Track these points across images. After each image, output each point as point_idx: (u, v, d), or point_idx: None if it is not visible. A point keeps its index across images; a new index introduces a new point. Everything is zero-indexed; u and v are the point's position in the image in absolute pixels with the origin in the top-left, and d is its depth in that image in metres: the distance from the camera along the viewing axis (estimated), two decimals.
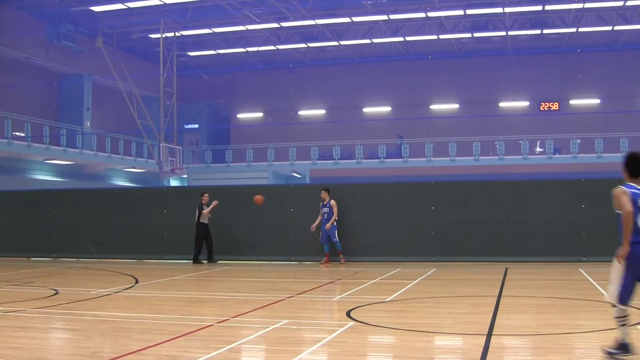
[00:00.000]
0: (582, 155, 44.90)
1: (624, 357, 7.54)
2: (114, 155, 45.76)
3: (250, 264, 21.79)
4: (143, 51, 49.60)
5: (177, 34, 46.13)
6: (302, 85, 52.75)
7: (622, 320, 7.63)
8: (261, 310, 11.77)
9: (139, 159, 48.14)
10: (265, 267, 21.09)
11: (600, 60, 48.01)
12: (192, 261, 21.96)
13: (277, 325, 10.09)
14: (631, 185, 7.70)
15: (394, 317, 11.00)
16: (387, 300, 12.79)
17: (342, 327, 9.88)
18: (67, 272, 20.00)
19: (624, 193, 7.54)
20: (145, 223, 23.84)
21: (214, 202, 21.93)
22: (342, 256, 21.07)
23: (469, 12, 42.22)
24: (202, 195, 22.13)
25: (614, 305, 7.70)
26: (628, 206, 7.42)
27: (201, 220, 21.91)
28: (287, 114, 53.14)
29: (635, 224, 7.49)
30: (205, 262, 21.90)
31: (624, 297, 7.65)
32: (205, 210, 21.86)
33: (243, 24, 44.30)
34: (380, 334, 9.77)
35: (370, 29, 46.22)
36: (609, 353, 7.61)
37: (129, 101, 45.47)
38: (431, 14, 42.32)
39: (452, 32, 46.09)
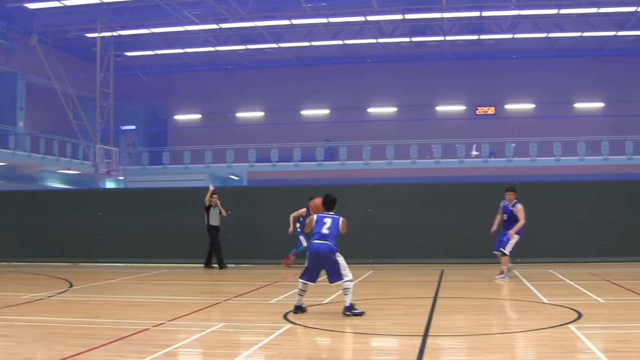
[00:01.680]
0: (516, 159, 45.61)
1: None
2: (48, 157, 44.82)
3: (187, 267, 21.62)
4: (79, 50, 48.79)
5: (114, 34, 45.47)
6: (240, 87, 52.59)
7: None
8: (198, 313, 11.69)
9: (74, 160, 47.27)
10: (201, 269, 20.91)
11: (535, 66, 48.88)
12: (217, 266, 20.90)
13: (214, 328, 10.05)
14: None
15: (331, 319, 11.02)
16: (324, 302, 12.81)
17: (279, 329, 9.87)
18: None
19: None
20: (81, 226, 23.48)
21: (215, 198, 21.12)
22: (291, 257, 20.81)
23: (407, 16, 42.53)
24: (212, 195, 21.00)
25: None
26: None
27: (211, 223, 20.94)
28: (226, 116, 52.89)
29: None
30: (215, 266, 20.96)
31: None
32: (223, 211, 21.02)
33: (182, 25, 43.90)
34: (317, 336, 9.80)
35: (310, 32, 46.27)
36: None
37: (64, 101, 44.65)
38: (370, 18, 42.52)
39: (390, 36, 46.38)
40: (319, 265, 11.39)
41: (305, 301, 11.50)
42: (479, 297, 13.87)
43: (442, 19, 42.79)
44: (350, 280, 11.22)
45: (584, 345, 8.61)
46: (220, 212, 21.04)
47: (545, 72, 48.75)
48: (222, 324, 10.39)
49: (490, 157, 46.44)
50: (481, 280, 17.17)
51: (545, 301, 12.74)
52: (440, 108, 52.16)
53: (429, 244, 21.46)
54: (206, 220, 20.93)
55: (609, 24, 43.75)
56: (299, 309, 11.35)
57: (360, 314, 10.95)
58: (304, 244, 19.73)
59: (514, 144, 46.48)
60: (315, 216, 11.68)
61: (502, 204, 17.24)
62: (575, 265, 19.63)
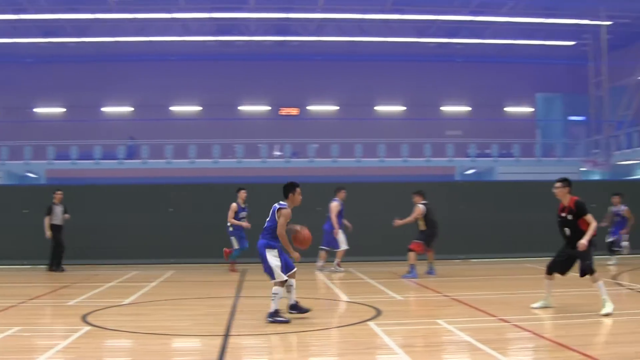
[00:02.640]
0: (318, 159, 46.47)
1: None
2: None
3: None
4: None
5: None
6: (40, 81, 50.44)
7: None
8: None
9: None
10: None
11: (339, 69, 50.03)
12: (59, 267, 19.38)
13: (9, 332, 9.54)
14: None
15: (130, 321, 10.75)
16: (124, 303, 12.55)
17: (77, 332, 9.52)
18: None
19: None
20: None
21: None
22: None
23: (214, 15, 42.46)
24: (55, 193, 19.58)
25: None
26: None
27: (54, 222, 19.37)
28: (24, 111, 50.65)
29: None
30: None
31: None
32: (67, 215, 19.55)
33: None
34: (117, 337, 9.54)
35: (114, 27, 45.08)
36: None
37: None
38: (176, 15, 42.10)
39: (197, 34, 46.11)
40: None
41: (106, 302, 11.21)
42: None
43: (249, 19, 43.00)
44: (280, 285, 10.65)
45: (383, 342, 8.87)
46: (64, 211, 19.77)
47: (348, 75, 49.97)
48: (18, 328, 9.87)
49: (292, 158, 47.05)
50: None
51: (346, 299, 13.09)
52: (244, 108, 52.30)
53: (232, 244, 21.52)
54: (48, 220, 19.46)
55: (411, 30, 45.65)
56: (294, 308, 11.00)
57: (286, 322, 10.27)
58: (235, 246, 18.41)
59: (316, 145, 47.33)
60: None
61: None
62: (375, 264, 20.29)
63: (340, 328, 9.86)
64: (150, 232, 21.57)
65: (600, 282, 10.83)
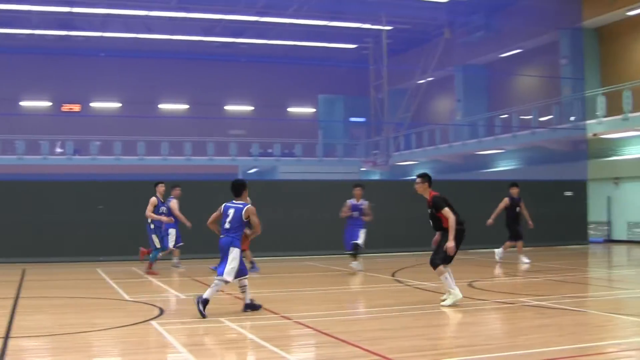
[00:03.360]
0: (101, 157, 45.58)
1: None
2: None
3: None
4: None
5: None
6: None
7: None
8: None
9: None
10: None
11: (124, 66, 49.18)
12: None
13: None
14: None
15: None
16: None
17: None
18: None
19: None
20: None
21: None
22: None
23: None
24: None
25: None
26: None
27: None
28: None
29: None
30: None
31: None
32: None
33: None
34: None
35: None
36: None
37: None
38: None
39: None
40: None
41: None
42: (63, 296, 13.82)
43: (31, 11, 41.33)
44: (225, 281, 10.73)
45: (166, 341, 9.01)
46: None
47: (133, 72, 49.27)
48: None
49: (74, 155, 45.90)
50: (64, 279, 17.13)
51: (128, 299, 13.13)
52: (25, 103, 50.27)
53: (9, 242, 20.91)
54: None
55: (197, 29, 45.73)
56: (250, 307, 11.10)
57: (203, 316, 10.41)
58: (157, 245, 17.26)
59: (98, 142, 46.39)
60: (221, 207, 11.08)
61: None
62: (156, 264, 20.36)
63: (123, 328, 9.90)
64: None
65: (444, 276, 11.45)
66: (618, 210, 31.08)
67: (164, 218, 17.37)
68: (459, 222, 11.51)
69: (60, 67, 48.41)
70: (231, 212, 10.87)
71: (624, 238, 30.56)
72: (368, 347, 8.37)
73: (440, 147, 43.64)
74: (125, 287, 14.71)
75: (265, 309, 11.31)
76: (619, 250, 26.74)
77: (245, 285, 11.03)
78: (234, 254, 10.69)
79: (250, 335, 9.32)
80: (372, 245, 20.00)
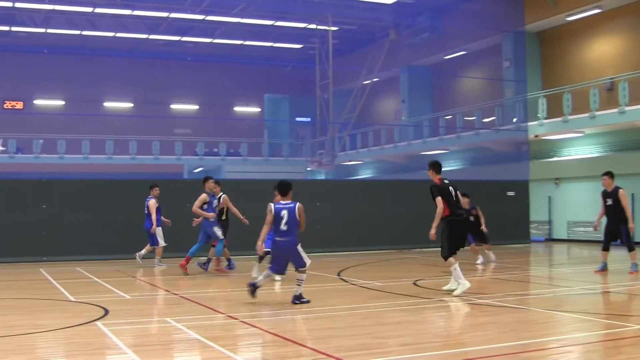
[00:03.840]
0: (44, 155, 44.96)
1: None
2: None
3: None
4: None
5: None
6: None
7: None
8: None
9: None
10: None
11: (67, 63, 48.60)
12: None
13: None
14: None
15: None
16: None
17: None
18: None
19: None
20: None
21: None
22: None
23: None
24: None
25: None
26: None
27: None
28: None
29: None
30: None
31: None
32: None
33: None
34: None
35: None
36: None
37: None
38: None
39: None
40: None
41: None
42: (5, 297, 13.64)
43: None
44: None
45: (111, 342, 8.94)
46: None
47: (77, 70, 48.72)
48: None
49: (17, 153, 45.24)
50: (7, 280, 16.92)
51: (72, 299, 13.02)
52: None
53: None
54: None
55: (142, 26, 45.37)
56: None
57: (307, 302, 11.66)
58: (220, 236, 17.24)
59: (41, 140, 45.76)
60: (271, 208, 11.61)
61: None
62: (101, 263, 20.23)
63: (67, 329, 9.80)
64: None
65: (453, 267, 12.45)
66: (558, 210, 31.72)
67: (209, 214, 17.11)
68: (454, 213, 12.35)
69: (2, 64, 47.61)
70: (284, 213, 11.48)
71: (564, 237, 31.24)
72: (314, 346, 8.45)
73: (385, 147, 43.96)
74: (69, 287, 14.58)
75: (210, 308, 11.32)
76: (560, 249, 27.30)
77: (299, 279, 11.72)
78: (299, 248, 11.56)
79: (195, 335, 9.28)
80: (318, 244, 20.06)
